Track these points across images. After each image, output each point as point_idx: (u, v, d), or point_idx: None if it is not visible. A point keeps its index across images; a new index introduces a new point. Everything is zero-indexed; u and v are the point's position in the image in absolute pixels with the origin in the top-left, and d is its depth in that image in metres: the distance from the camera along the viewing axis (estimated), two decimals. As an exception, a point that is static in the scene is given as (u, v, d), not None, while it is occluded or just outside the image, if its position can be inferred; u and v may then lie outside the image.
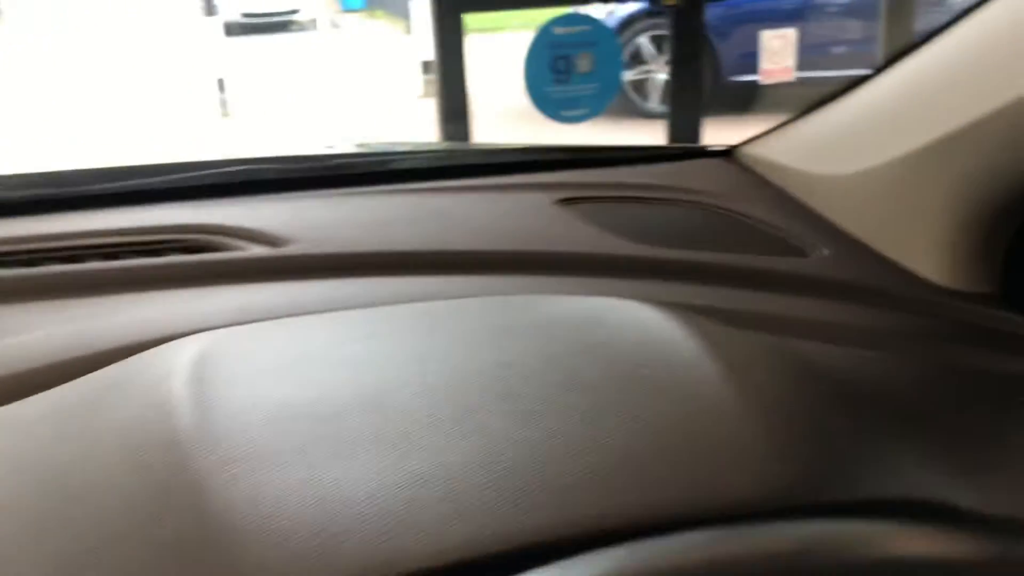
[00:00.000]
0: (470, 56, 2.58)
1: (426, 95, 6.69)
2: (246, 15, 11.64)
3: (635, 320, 0.61)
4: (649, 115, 5.48)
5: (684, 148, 1.02)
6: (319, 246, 0.78)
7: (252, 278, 0.73)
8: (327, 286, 0.73)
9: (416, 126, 6.04)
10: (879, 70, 0.83)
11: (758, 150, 0.98)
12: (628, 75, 5.70)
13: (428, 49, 3.07)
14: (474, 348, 0.56)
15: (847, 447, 0.52)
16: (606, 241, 0.83)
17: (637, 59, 5.75)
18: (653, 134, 3.83)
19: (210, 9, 7.36)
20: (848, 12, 5.60)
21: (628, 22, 5.62)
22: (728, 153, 1.01)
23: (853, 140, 0.84)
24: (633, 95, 5.78)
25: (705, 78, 5.47)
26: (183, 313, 0.67)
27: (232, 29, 11.26)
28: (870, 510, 0.46)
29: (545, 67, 2.71)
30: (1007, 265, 0.78)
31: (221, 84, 7.28)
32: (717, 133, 1.06)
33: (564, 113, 2.80)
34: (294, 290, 0.72)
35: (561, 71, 2.78)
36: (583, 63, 2.77)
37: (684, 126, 2.98)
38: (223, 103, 7.26)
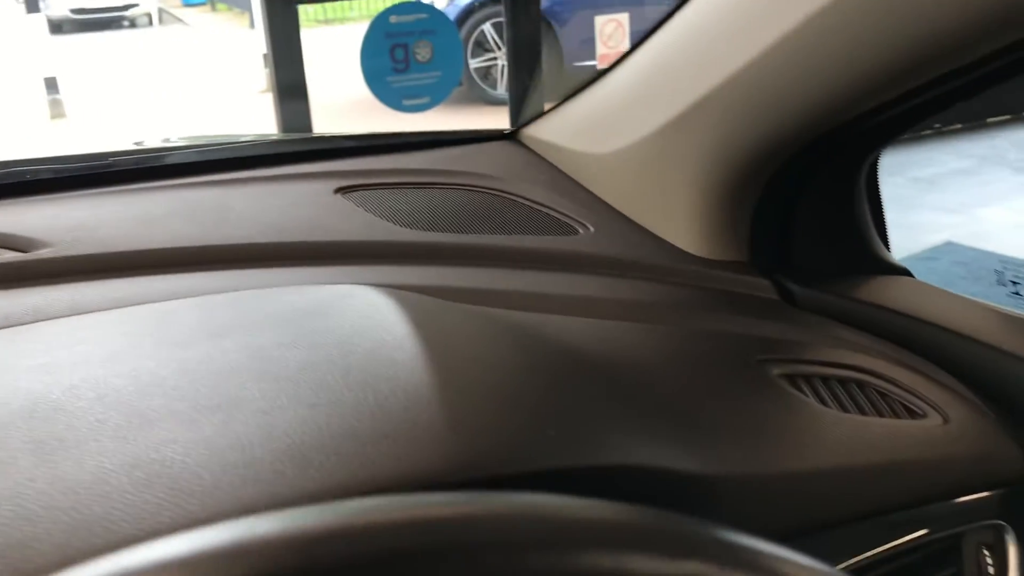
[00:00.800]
0: (317, 48, 2.53)
1: (268, 89, 6.52)
2: (75, 11, 11.00)
3: (359, 306, 0.61)
4: (497, 102, 5.52)
5: (467, 132, 1.03)
6: (75, 248, 0.75)
7: None
8: (78, 290, 0.70)
9: (256, 121, 5.90)
10: (637, 46, 0.86)
11: (537, 131, 1.00)
12: (474, 63, 5.72)
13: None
14: (179, 348, 0.55)
15: (561, 417, 0.52)
16: (382, 228, 0.83)
17: (482, 47, 5.78)
18: (502, 121, 3.87)
19: (31, 5, 6.91)
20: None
21: (470, 10, 5.64)
22: (511, 135, 1.03)
23: (614, 119, 0.87)
24: (480, 83, 5.81)
25: (551, 65, 5.58)
26: None
27: (62, 26, 10.70)
28: (567, 479, 0.47)
29: (383, 56, 2.68)
30: (753, 233, 0.83)
31: (52, 84, 6.89)
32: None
33: (406, 103, 2.78)
34: (39, 297, 0.69)
35: (400, 60, 2.76)
36: (422, 52, 2.76)
37: (526, 111, 3.02)
38: (55, 103, 6.88)
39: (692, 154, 0.78)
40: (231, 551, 0.24)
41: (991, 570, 0.64)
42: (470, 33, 5.64)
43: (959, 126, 5.18)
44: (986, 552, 0.64)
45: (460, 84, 5.07)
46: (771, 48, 0.67)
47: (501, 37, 5.68)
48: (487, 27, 5.74)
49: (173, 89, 7.39)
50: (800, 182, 0.81)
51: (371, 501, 0.27)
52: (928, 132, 5.10)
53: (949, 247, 3.66)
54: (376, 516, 0.26)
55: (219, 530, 0.25)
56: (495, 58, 5.79)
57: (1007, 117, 5.27)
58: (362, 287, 0.64)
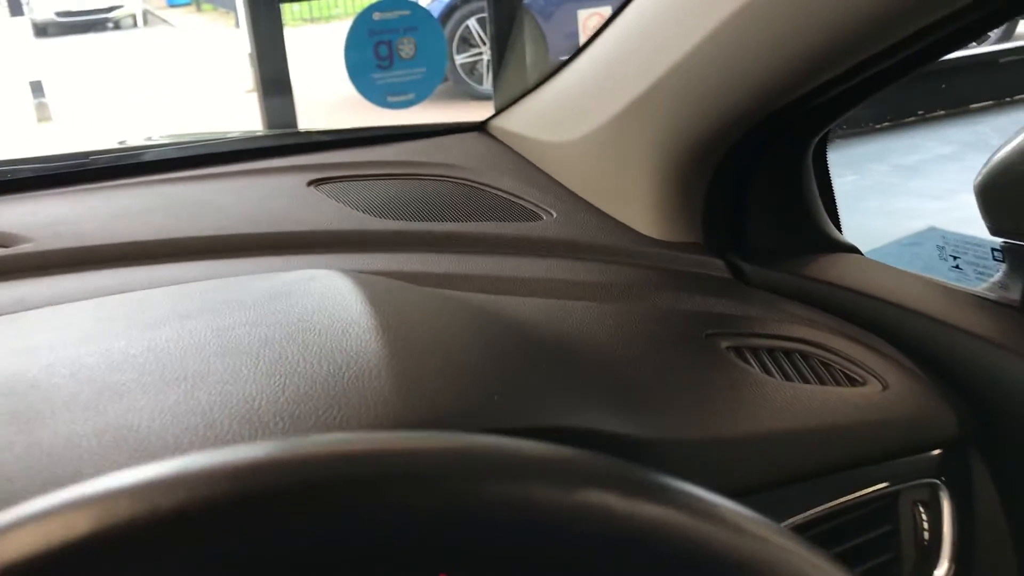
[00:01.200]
0: (304, 47, 2.55)
1: (255, 89, 6.50)
2: (60, 14, 10.98)
3: (321, 288, 0.64)
4: (483, 97, 5.54)
5: (438, 125, 1.07)
6: (56, 242, 0.78)
7: None
8: (59, 282, 0.73)
9: (243, 120, 5.90)
10: (595, 36, 0.89)
11: (504, 122, 1.03)
12: (459, 59, 5.74)
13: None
14: (149, 329, 0.57)
15: (508, 386, 0.55)
16: (354, 218, 0.86)
17: (468, 42, 5.79)
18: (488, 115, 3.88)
19: (15, 9, 6.90)
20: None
21: (454, 6, 5.66)
22: (480, 127, 1.06)
23: (573, 109, 0.91)
24: (466, 78, 5.83)
25: (536, 58, 5.59)
26: None
27: (47, 29, 10.69)
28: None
29: (367, 53, 2.69)
30: (707, 216, 0.86)
31: (37, 87, 6.89)
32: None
33: (391, 99, 2.80)
34: (22, 289, 0.72)
35: (384, 56, 2.77)
36: (406, 48, 2.77)
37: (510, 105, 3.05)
38: (41, 107, 6.88)
39: (645, 140, 0.82)
40: (171, 479, 0.28)
41: (925, 525, 0.67)
42: (455, 29, 5.65)
43: (942, 112, 5.21)
44: (921, 509, 0.67)
45: (446, 80, 5.08)
46: (714, 33, 0.70)
47: (486, 32, 5.69)
48: (472, 22, 5.75)
49: (160, 90, 7.39)
50: (750, 164, 0.85)
51: (296, 440, 0.30)
52: (911, 119, 5.14)
53: (932, 233, 3.70)
54: (297, 451, 0.29)
55: (161, 464, 0.29)
56: (480, 53, 5.81)
57: (990, 103, 5.31)
58: (325, 271, 0.67)
